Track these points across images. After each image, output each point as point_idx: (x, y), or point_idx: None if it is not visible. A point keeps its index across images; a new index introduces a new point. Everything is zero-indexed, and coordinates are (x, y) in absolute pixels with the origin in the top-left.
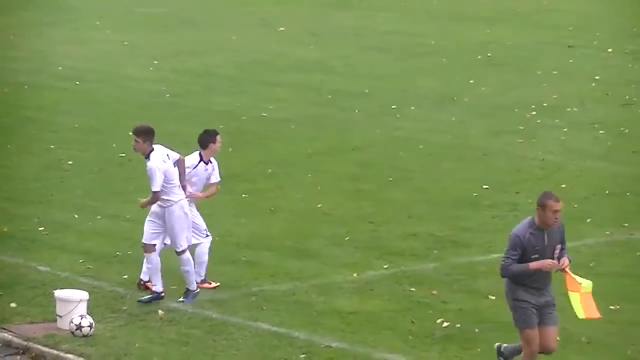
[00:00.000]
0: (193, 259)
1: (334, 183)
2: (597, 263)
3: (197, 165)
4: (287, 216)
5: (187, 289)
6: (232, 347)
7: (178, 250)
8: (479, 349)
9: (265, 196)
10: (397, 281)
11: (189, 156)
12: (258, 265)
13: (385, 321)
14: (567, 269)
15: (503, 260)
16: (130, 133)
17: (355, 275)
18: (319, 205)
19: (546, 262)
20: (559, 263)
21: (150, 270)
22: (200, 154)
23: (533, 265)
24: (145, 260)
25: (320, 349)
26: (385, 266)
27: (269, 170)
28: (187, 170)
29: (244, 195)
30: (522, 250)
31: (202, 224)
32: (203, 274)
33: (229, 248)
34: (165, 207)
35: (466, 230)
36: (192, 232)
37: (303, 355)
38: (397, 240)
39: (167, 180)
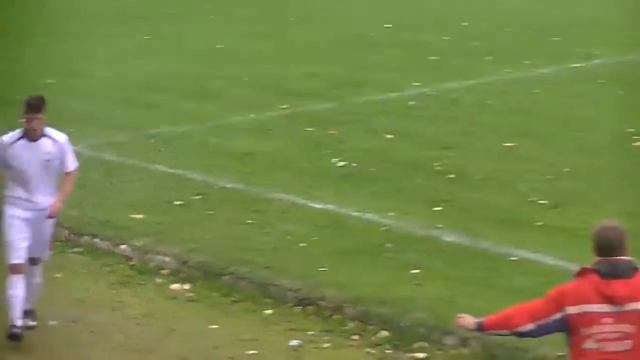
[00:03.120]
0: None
1: (233, 24)
2: (496, 101)
3: None
4: (187, 57)
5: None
6: (128, 190)
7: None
8: (375, 188)
9: (166, 37)
10: (295, 121)
11: None
12: (156, 107)
13: (281, 162)
14: None
15: None
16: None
17: (252, 116)
18: (220, 46)
19: None
20: None
21: None
22: None
23: None
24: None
25: (215, 190)
26: (283, 106)
27: (170, 11)
28: None
29: (145, 37)
30: None
31: None
32: None
33: (126, 91)
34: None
35: (366, 69)
36: None
37: (198, 197)
38: (296, 80)
39: None
